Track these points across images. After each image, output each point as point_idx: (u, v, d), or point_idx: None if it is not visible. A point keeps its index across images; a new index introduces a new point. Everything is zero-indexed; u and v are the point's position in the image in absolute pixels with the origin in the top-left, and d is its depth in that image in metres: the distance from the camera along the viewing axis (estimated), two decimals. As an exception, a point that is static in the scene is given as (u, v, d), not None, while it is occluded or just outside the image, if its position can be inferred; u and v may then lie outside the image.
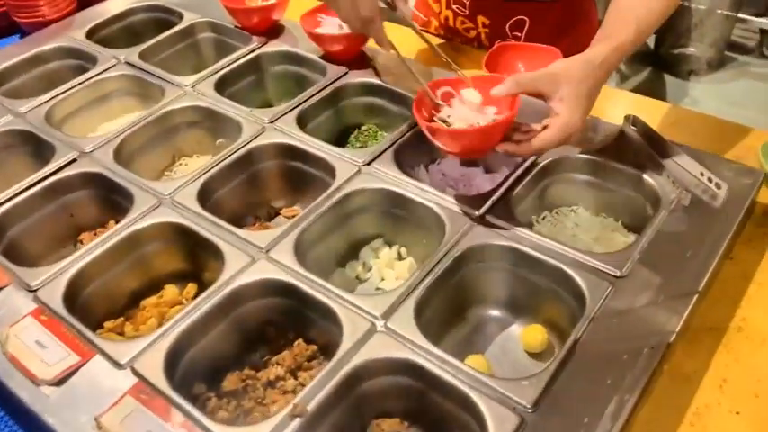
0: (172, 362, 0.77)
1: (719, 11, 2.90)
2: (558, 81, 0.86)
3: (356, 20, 0.99)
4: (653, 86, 3.05)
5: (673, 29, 3.04)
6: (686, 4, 2.92)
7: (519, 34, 1.23)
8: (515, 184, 0.94)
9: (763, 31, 3.13)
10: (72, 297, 0.86)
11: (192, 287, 0.97)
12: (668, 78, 3.09)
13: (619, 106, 1.18)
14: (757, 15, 3.12)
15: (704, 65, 3.08)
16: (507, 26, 1.23)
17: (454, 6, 1.28)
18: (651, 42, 3.19)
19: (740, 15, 3.01)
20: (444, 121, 0.92)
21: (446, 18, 1.31)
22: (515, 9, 1.21)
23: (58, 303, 0.83)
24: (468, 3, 1.25)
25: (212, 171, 1.01)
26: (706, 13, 2.90)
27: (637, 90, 2.97)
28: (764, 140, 0.98)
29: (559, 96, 0.86)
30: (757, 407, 0.74)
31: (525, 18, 1.20)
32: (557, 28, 1.21)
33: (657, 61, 3.15)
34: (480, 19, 1.25)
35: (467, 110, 0.92)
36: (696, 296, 0.79)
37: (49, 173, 1.03)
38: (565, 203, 1.02)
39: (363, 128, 1.18)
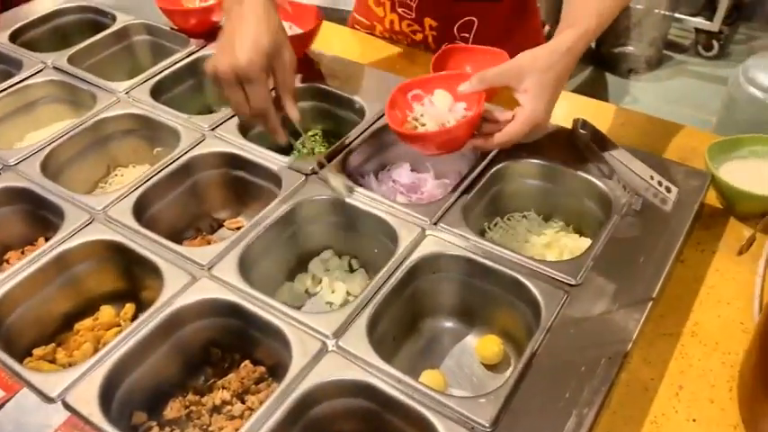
0: (108, 391, 0.72)
1: (657, 10, 2.97)
2: (523, 73, 0.86)
3: (247, 112, 0.86)
4: (594, 85, 3.10)
5: (612, 28, 3.08)
6: (625, 3, 2.97)
7: (467, 35, 1.21)
8: (467, 191, 0.92)
9: (698, 31, 3.22)
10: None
11: (129, 307, 0.91)
12: (609, 77, 3.15)
13: (565, 108, 1.17)
14: (692, 15, 3.21)
15: (643, 63, 3.15)
16: (455, 28, 1.21)
17: (400, 9, 1.25)
18: (592, 42, 3.24)
19: (676, 15, 3.09)
20: (417, 120, 0.93)
21: (391, 22, 1.29)
22: (464, 10, 1.19)
23: (-21, 332, 0.77)
24: (414, 5, 1.22)
25: (149, 183, 0.95)
26: (644, 12, 2.97)
27: (579, 89, 3.01)
28: (710, 142, 0.98)
29: (524, 87, 0.86)
30: (712, 413, 0.74)
31: (474, 19, 1.18)
32: (504, 28, 1.20)
33: (598, 60, 3.21)
34: (428, 21, 1.23)
35: (437, 109, 0.92)
36: (651, 303, 0.78)
37: (-31, 187, 0.96)
38: (517, 209, 1.00)
39: (310, 133, 1.14)
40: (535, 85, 0.86)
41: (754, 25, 3.39)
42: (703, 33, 3.20)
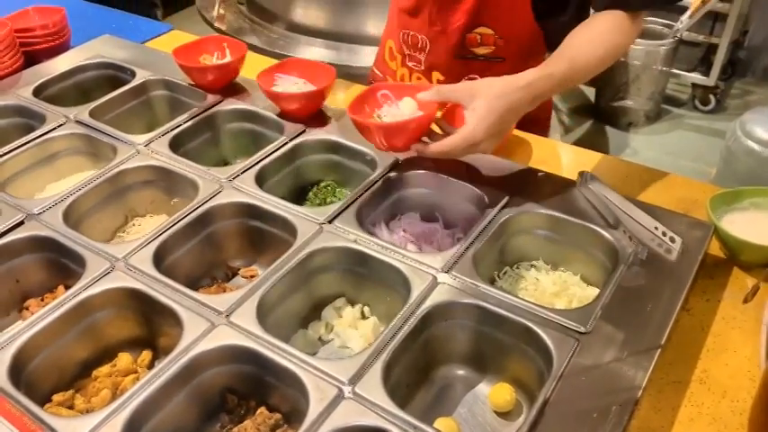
0: (127, 437, 0.73)
1: (654, 66, 3.06)
2: (474, 93, 0.94)
3: None
4: (595, 138, 3.17)
5: (611, 83, 3.18)
6: (623, 59, 3.06)
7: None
8: (476, 241, 0.95)
9: (694, 86, 3.31)
10: (18, 370, 0.81)
11: (146, 354, 0.93)
12: (609, 130, 3.22)
13: (569, 160, 1.21)
14: (689, 71, 3.31)
15: (642, 117, 3.22)
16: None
17: (410, 63, 1.31)
18: (592, 96, 3.33)
19: (673, 71, 3.17)
20: (379, 117, 1.05)
21: (402, 76, 1.34)
22: (467, 67, 1.25)
23: (2, 378, 0.78)
24: (423, 60, 1.28)
25: (168, 232, 0.98)
26: (642, 68, 3.05)
27: (580, 142, 3.08)
28: (710, 194, 1.02)
29: (472, 107, 0.93)
30: (724, 460, 0.75)
31: (476, 76, 1.23)
32: None
33: (598, 114, 3.29)
34: (435, 75, 1.28)
35: (399, 111, 1.03)
36: (659, 351, 0.80)
37: (-5, 236, 0.99)
38: (525, 258, 1.03)
39: (322, 184, 1.17)
40: (482, 108, 0.92)
41: (749, 80, 3.49)
42: (700, 88, 3.29)
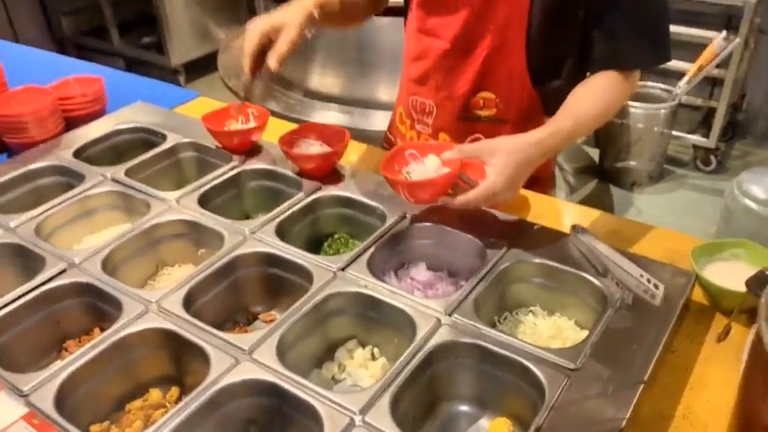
0: (160, 461, 0.81)
1: (655, 129, 3.18)
2: (493, 151, 1.07)
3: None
4: (600, 197, 3.27)
5: (614, 145, 3.30)
6: (625, 122, 3.20)
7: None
8: (477, 287, 1.04)
9: (695, 147, 3.42)
10: (62, 401, 0.90)
11: (175, 390, 1.01)
12: (614, 190, 3.33)
13: (565, 216, 1.31)
14: (689, 132, 3.43)
15: (645, 177, 3.33)
16: (466, 143, 1.37)
17: (418, 127, 1.43)
18: (596, 157, 3.46)
19: (674, 133, 3.30)
20: (408, 174, 1.18)
21: (411, 138, 1.46)
22: (471, 128, 1.36)
23: (49, 407, 0.87)
24: (431, 123, 1.39)
25: (197, 278, 1.08)
26: (643, 130, 3.18)
27: (585, 201, 3.18)
28: (694, 246, 1.10)
29: (492, 162, 1.06)
30: (704, 487, 0.81)
31: (480, 137, 1.35)
32: None
33: (603, 174, 3.40)
34: (442, 136, 1.39)
35: (426, 168, 1.15)
36: (642, 386, 0.87)
37: (39, 283, 1.09)
38: (523, 305, 1.11)
39: (336, 236, 1.28)
40: (500, 163, 1.05)
41: (748, 142, 3.60)
42: (701, 149, 3.40)
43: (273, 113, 1.55)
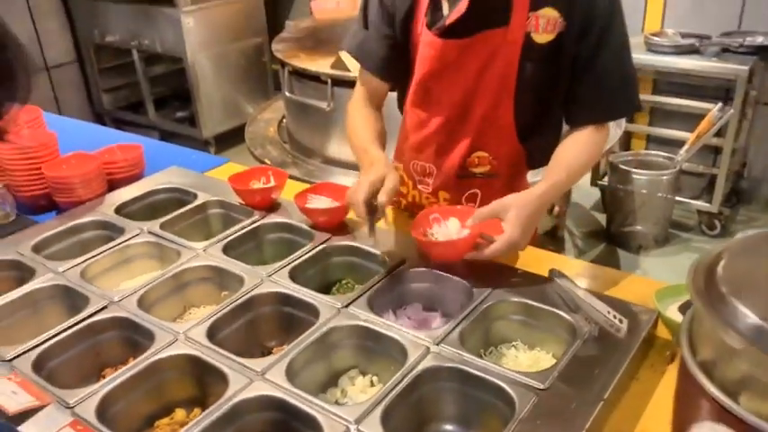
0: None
1: (659, 194, 3.32)
2: (506, 208, 1.25)
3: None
4: (607, 260, 3.38)
5: (621, 210, 3.45)
6: (630, 188, 3.35)
7: (473, 204, 1.52)
8: (463, 321, 1.18)
9: (699, 212, 3.55)
10: (102, 414, 1.05)
11: (197, 411, 1.15)
12: (621, 253, 3.44)
13: (545, 262, 1.45)
14: (694, 198, 3.56)
15: (651, 241, 3.45)
16: (463, 198, 1.53)
17: (420, 186, 1.59)
18: (603, 221, 3.59)
19: (678, 198, 3.43)
20: (432, 235, 1.35)
21: (413, 197, 1.62)
22: (467, 185, 1.52)
23: (91, 417, 1.02)
24: (431, 183, 1.56)
25: (220, 313, 1.24)
26: (647, 196, 3.32)
27: (594, 263, 3.29)
28: (658, 288, 1.24)
29: (507, 218, 1.24)
30: (655, 491, 0.92)
31: (477, 191, 1.52)
32: (502, 197, 1.50)
33: (610, 238, 3.52)
34: (442, 194, 1.56)
35: (448, 231, 1.32)
36: (602, 403, 1.00)
37: (83, 318, 1.26)
38: (506, 340, 1.25)
39: (343, 281, 1.43)
40: (514, 217, 1.24)
41: (753, 207, 3.71)
42: (705, 214, 3.52)
43: (294, 178, 1.74)
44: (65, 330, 1.23)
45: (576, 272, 1.34)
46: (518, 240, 1.26)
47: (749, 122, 3.54)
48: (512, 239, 1.25)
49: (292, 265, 1.38)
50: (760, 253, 0.78)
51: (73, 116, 3.37)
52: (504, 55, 1.35)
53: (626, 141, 3.97)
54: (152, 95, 4.94)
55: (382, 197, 1.28)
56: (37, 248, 1.52)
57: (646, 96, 3.77)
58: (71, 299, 1.35)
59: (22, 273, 1.45)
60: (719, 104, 3.20)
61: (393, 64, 1.49)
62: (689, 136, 3.31)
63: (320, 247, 1.44)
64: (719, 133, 3.34)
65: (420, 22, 1.41)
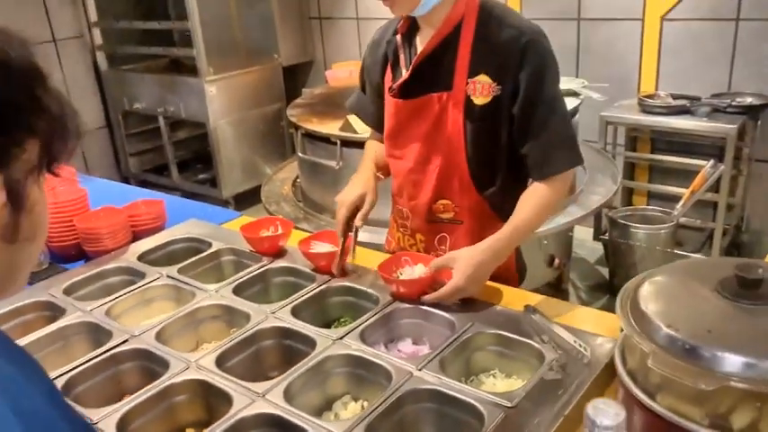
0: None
1: (657, 248, 3.44)
2: (455, 259, 1.45)
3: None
4: (610, 311, 3.46)
5: (622, 263, 3.56)
6: (630, 242, 3.47)
7: (444, 247, 1.68)
8: (445, 350, 1.32)
9: (700, 265, 3.64)
10: (122, 430, 1.19)
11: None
12: (624, 305, 3.52)
13: (523, 300, 1.58)
14: (694, 252, 3.66)
15: (653, 293, 3.53)
16: (435, 241, 1.70)
17: (401, 230, 1.77)
18: (606, 274, 3.70)
19: (678, 252, 3.54)
20: (399, 275, 1.55)
21: (398, 238, 1.80)
22: (437, 228, 1.69)
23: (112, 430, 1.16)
24: (408, 225, 1.73)
25: (228, 345, 1.39)
26: (646, 249, 3.44)
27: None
28: (624, 321, 1.37)
29: (456, 268, 1.43)
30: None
31: (446, 235, 1.68)
32: (470, 240, 1.62)
33: (613, 291, 3.62)
34: (418, 236, 1.73)
35: (413, 272, 1.53)
36: (562, 419, 1.12)
37: (107, 349, 1.41)
38: (486, 369, 1.37)
39: (341, 319, 1.58)
40: (461, 266, 1.43)
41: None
42: (706, 267, 3.61)
43: (308, 232, 1.91)
44: (90, 360, 1.38)
45: (555, 309, 1.47)
46: (464, 287, 1.44)
47: (745, 178, 3.68)
48: (457, 285, 1.44)
49: (294, 303, 1.53)
50: (674, 277, 0.92)
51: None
52: (450, 115, 1.55)
53: (627, 197, 4.12)
54: (176, 159, 5.22)
55: (358, 222, 1.59)
56: (67, 291, 1.69)
57: (644, 154, 3.95)
58: (96, 334, 1.51)
59: (54, 312, 1.61)
60: (712, 161, 3.35)
61: (383, 118, 1.71)
62: (684, 191, 3.44)
63: (320, 288, 1.59)
64: (716, 189, 3.47)
65: (386, 85, 1.66)
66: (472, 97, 1.51)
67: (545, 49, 1.49)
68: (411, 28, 1.60)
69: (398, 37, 1.61)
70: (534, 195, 1.53)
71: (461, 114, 1.53)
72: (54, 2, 4.77)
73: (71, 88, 4.94)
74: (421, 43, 1.57)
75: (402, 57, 1.60)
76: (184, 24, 4.57)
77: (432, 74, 1.54)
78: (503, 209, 1.59)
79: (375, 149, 1.80)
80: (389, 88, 1.63)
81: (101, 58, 5.14)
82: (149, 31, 5.00)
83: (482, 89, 1.50)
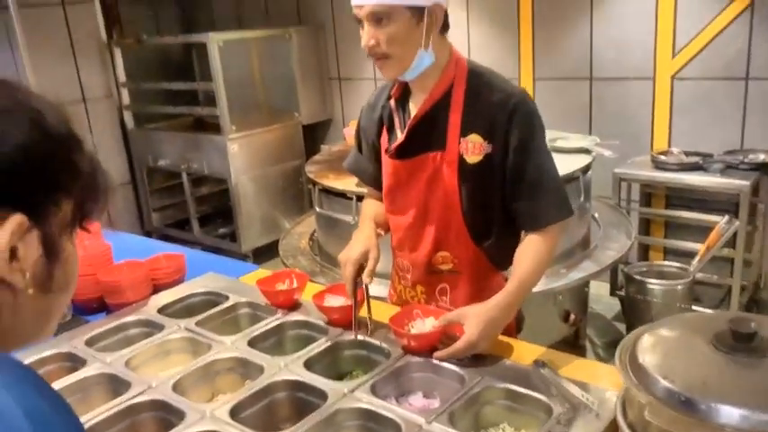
0: None
1: (675, 304, 3.42)
2: (465, 315, 1.47)
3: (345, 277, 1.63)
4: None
5: (639, 319, 3.53)
6: (647, 298, 3.46)
7: (445, 297, 1.72)
8: (455, 404, 1.34)
9: (719, 321, 3.60)
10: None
11: (218, 482, 1.31)
12: (642, 361, 3.48)
13: (532, 354, 1.60)
14: (713, 308, 3.63)
15: (671, 349, 3.49)
16: (436, 292, 1.74)
17: (402, 282, 1.81)
18: (623, 330, 3.67)
19: (695, 308, 3.52)
20: (411, 329, 1.57)
21: (400, 291, 1.84)
22: (437, 280, 1.73)
23: (127, 479, 1.19)
24: (410, 277, 1.78)
25: (241, 397, 1.42)
26: (662, 305, 3.42)
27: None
28: (632, 376, 1.38)
29: (467, 323, 1.45)
30: None
31: (446, 286, 1.72)
32: (469, 292, 1.69)
33: (631, 347, 3.58)
34: (419, 288, 1.77)
35: (424, 326, 1.55)
36: (569, 472, 1.13)
37: (125, 399, 1.45)
38: (495, 423, 1.39)
39: (353, 372, 1.60)
40: (471, 323, 1.44)
41: (773, 317, 3.75)
42: (725, 324, 3.57)
43: (322, 284, 1.96)
44: (109, 410, 1.42)
45: (564, 363, 1.49)
46: (476, 342, 1.45)
47: (761, 234, 3.67)
48: (470, 341, 1.45)
49: (307, 356, 1.56)
50: (672, 330, 0.95)
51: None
52: (445, 173, 1.62)
53: (644, 253, 4.12)
54: (197, 213, 5.33)
55: (367, 279, 1.61)
56: (89, 343, 1.74)
57: (659, 210, 3.97)
58: (115, 384, 1.55)
59: (75, 363, 1.66)
60: (726, 217, 3.36)
61: (380, 176, 1.78)
62: (700, 247, 3.45)
63: (333, 341, 1.63)
64: (732, 245, 3.47)
65: (383, 146, 1.73)
66: (465, 156, 1.59)
67: (532, 109, 1.59)
68: (404, 92, 1.70)
69: (392, 101, 1.71)
70: (530, 248, 1.58)
71: (455, 172, 1.60)
72: (85, 63, 4.99)
73: (99, 145, 5.11)
74: (414, 106, 1.66)
75: (397, 119, 1.69)
76: (209, 85, 4.75)
77: (426, 135, 1.63)
78: (500, 259, 1.64)
79: (373, 208, 1.84)
80: (386, 149, 1.71)
81: (128, 116, 5.33)
82: (175, 91, 5.20)
83: (474, 148, 1.58)
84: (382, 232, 1.79)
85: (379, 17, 1.49)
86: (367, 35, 1.52)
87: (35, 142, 0.67)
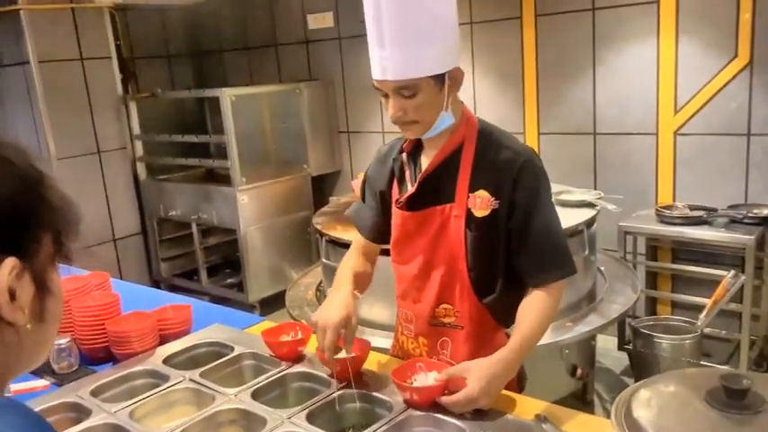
0: None
1: (682, 358, 3.39)
2: (468, 369, 1.48)
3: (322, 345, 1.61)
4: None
5: (648, 373, 3.48)
6: (655, 352, 3.44)
7: (446, 351, 1.73)
8: (454, 459, 1.34)
9: (729, 377, 3.56)
10: None
11: None
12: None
13: (533, 409, 1.60)
14: (722, 363, 3.60)
15: (681, 405, 3.45)
16: (438, 345, 1.75)
17: (405, 332, 1.82)
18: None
19: (704, 363, 3.48)
20: (413, 382, 1.57)
21: (402, 342, 1.85)
22: (439, 333, 1.74)
23: None
24: (413, 329, 1.79)
25: (243, 449, 1.43)
26: (670, 360, 3.39)
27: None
28: None
29: (470, 378, 1.46)
30: None
31: (447, 339, 1.73)
32: (470, 347, 1.69)
33: (640, 402, 3.54)
34: (421, 339, 1.78)
35: (427, 379, 1.55)
36: None
37: (128, 451, 1.46)
38: (497, 478, 1.39)
39: (355, 425, 1.60)
40: (474, 377, 1.44)
41: (784, 373, 3.70)
42: (735, 380, 3.53)
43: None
44: (112, 462, 1.43)
45: (566, 417, 1.49)
46: (476, 397, 1.46)
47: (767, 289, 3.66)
48: (471, 396, 1.46)
49: (310, 409, 1.57)
50: (667, 386, 0.96)
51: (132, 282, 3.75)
52: (452, 226, 1.66)
53: (652, 306, 4.10)
54: (205, 263, 5.38)
55: (349, 351, 1.63)
56: (94, 393, 1.75)
57: (665, 264, 3.97)
58: (120, 436, 1.56)
59: (80, 414, 1.67)
60: (732, 272, 3.35)
61: (379, 228, 1.84)
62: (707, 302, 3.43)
63: (336, 394, 1.63)
64: (740, 299, 3.46)
65: (393, 198, 1.78)
66: (473, 210, 1.63)
67: (539, 168, 1.64)
68: (416, 146, 1.75)
69: (404, 155, 1.76)
70: (534, 304, 1.60)
71: (462, 225, 1.64)
72: (101, 116, 5.12)
73: (111, 196, 5.21)
74: (426, 161, 1.71)
75: (408, 172, 1.74)
76: (221, 138, 4.86)
77: (435, 188, 1.67)
78: (503, 316, 1.66)
79: (352, 266, 1.83)
80: (396, 201, 1.75)
81: (140, 168, 5.44)
82: (187, 143, 5.31)
83: (482, 203, 1.62)
84: (359, 294, 1.76)
85: (405, 90, 1.55)
86: (393, 107, 1.58)
87: (13, 191, 0.73)
